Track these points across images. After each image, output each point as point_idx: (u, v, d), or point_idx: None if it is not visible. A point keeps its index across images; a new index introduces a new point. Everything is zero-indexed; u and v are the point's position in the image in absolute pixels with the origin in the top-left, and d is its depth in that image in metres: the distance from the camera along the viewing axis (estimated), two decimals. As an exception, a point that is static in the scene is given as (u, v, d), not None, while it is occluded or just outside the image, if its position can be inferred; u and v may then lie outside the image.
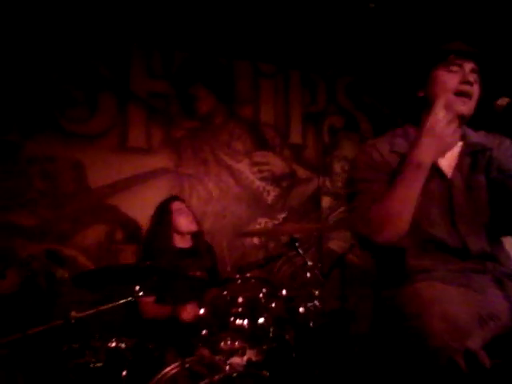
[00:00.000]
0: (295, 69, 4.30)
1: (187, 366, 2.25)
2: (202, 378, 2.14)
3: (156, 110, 3.76)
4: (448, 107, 1.52)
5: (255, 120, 4.10)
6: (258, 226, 3.94)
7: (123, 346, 2.31)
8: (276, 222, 4.00)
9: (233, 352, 2.33)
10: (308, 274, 2.46)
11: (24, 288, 2.82)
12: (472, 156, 1.67)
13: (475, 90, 1.62)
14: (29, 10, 3.36)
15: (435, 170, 1.62)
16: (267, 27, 3.97)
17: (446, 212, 1.61)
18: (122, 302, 2.15)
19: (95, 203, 3.48)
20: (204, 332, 2.34)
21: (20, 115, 3.36)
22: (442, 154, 1.58)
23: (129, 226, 3.54)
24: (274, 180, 4.08)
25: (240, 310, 2.35)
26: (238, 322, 2.37)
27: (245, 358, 2.39)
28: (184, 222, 3.04)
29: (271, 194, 4.04)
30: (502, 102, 1.52)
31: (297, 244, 2.51)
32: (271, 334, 2.40)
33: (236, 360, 2.34)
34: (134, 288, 2.18)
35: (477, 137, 1.71)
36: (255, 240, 3.93)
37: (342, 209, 4.26)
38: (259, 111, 4.13)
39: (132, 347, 2.34)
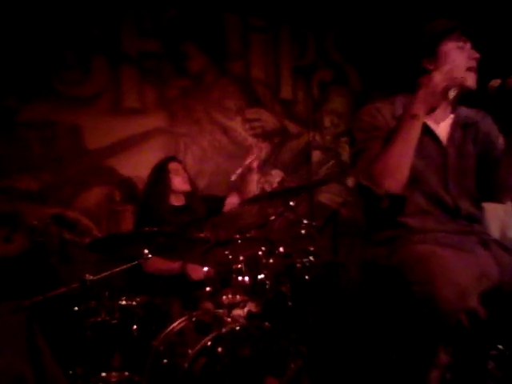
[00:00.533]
0: (285, 23, 4.30)
1: (194, 319, 2.45)
2: (208, 330, 2.34)
3: (148, 70, 3.79)
4: (455, 81, 1.68)
5: (246, 76, 4.15)
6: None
7: (134, 303, 2.50)
8: (269, 178, 4.14)
9: (234, 305, 2.54)
10: (303, 231, 2.63)
11: (33, 251, 2.95)
12: (463, 128, 1.81)
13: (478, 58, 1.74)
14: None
15: (433, 136, 1.77)
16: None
17: (441, 174, 1.77)
18: (134, 263, 2.32)
19: (94, 165, 3.58)
20: (208, 288, 2.54)
21: (16, 80, 3.37)
22: (433, 109, 1.74)
23: (126, 186, 3.65)
24: (266, 136, 4.18)
25: (241, 267, 2.54)
26: (240, 278, 2.57)
27: (245, 310, 2.61)
28: (179, 182, 3.17)
29: (263, 151, 4.15)
30: (495, 83, 1.65)
31: (291, 204, 2.66)
32: (269, 288, 2.61)
33: (237, 312, 2.56)
34: (143, 250, 2.34)
35: (465, 111, 1.86)
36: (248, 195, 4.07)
37: (331, 162, 4.41)
38: (250, 67, 4.17)
39: (141, 304, 2.54)
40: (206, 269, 2.56)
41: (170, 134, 3.84)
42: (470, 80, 1.72)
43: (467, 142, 1.80)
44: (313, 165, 4.32)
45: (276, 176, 4.19)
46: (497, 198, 1.77)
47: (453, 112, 1.84)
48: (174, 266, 2.91)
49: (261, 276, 2.56)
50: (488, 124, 1.84)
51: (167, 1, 3.84)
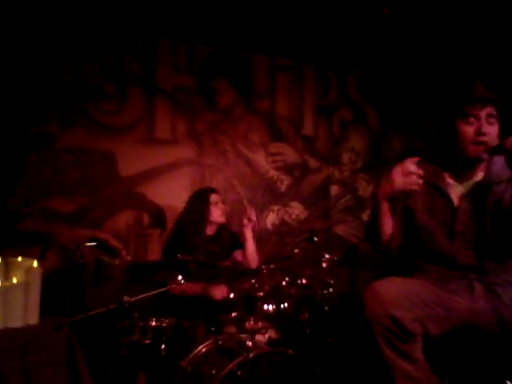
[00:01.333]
0: (309, 63, 4.54)
1: (220, 343, 2.60)
2: (232, 354, 2.48)
3: (180, 103, 4.02)
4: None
5: (271, 113, 4.37)
6: (271, 213, 4.26)
7: (164, 324, 2.66)
8: (288, 210, 4.32)
9: (256, 331, 2.69)
10: (324, 264, 2.79)
11: (68, 270, 3.13)
12: (487, 186, 1.96)
13: (491, 133, 1.90)
14: (60, 5, 3.58)
15: (444, 196, 1.96)
16: (283, 23, 4.20)
17: (447, 230, 1.96)
18: (168, 287, 2.50)
19: (125, 191, 3.78)
20: (233, 314, 2.69)
21: (57, 108, 3.61)
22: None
23: (154, 212, 3.85)
24: (287, 170, 4.38)
25: (265, 295, 2.71)
26: (263, 306, 2.73)
27: (266, 336, 2.76)
28: (218, 214, 3.32)
29: (284, 183, 4.35)
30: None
31: (315, 239, 2.83)
32: (290, 317, 2.77)
33: (259, 338, 2.71)
34: (177, 276, 2.51)
35: (498, 167, 1.98)
36: (268, 225, 4.25)
37: (348, 197, 4.59)
38: (275, 104, 4.40)
39: (170, 325, 2.69)
40: (232, 295, 2.73)
41: (197, 165, 4.05)
42: (475, 152, 1.91)
43: (488, 200, 1.94)
44: (331, 198, 4.50)
45: (295, 208, 4.37)
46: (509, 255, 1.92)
47: (483, 170, 1.99)
48: (197, 287, 3.06)
49: (283, 305, 2.72)
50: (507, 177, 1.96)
51: (200, 38, 4.09)
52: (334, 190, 4.54)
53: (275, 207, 4.29)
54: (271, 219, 4.27)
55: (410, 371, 1.68)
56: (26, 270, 2.54)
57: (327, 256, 2.79)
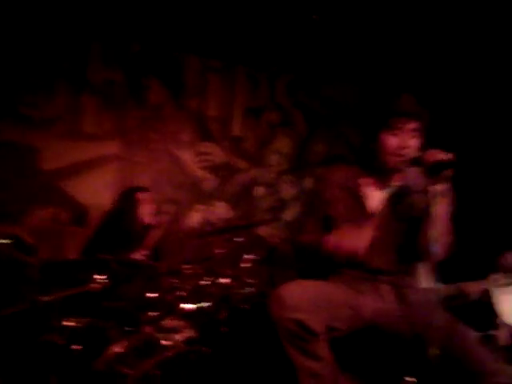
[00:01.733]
0: (240, 65, 4.62)
1: (135, 342, 2.62)
2: (148, 354, 2.51)
3: (109, 98, 3.97)
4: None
5: (201, 112, 4.41)
6: (195, 213, 4.30)
7: (80, 324, 2.64)
8: (212, 209, 4.38)
9: (174, 330, 2.74)
10: (246, 264, 2.88)
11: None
12: (402, 194, 2.09)
13: (413, 146, 2.01)
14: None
15: (363, 203, 2.09)
16: (216, 25, 4.26)
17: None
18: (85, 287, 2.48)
19: (44, 186, 3.68)
20: (152, 314, 2.72)
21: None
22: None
23: (75, 208, 3.77)
24: (214, 169, 4.44)
25: (186, 295, 2.76)
26: (183, 305, 2.78)
27: (184, 335, 2.81)
28: (147, 214, 3.30)
29: (210, 183, 4.40)
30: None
31: (237, 240, 2.91)
32: (209, 315, 2.84)
33: (177, 337, 2.76)
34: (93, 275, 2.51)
35: (413, 177, 2.10)
36: (193, 224, 4.29)
37: (272, 198, 4.72)
38: (205, 104, 4.44)
39: (85, 326, 2.68)
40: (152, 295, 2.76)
41: (125, 162, 4.02)
42: (397, 163, 2.02)
43: (403, 207, 2.08)
44: (256, 199, 4.61)
45: (220, 207, 4.44)
46: (420, 257, 2.08)
47: (400, 179, 2.11)
48: None
49: (203, 304, 2.79)
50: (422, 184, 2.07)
51: (134, 36, 4.05)
52: (259, 190, 4.65)
53: (200, 207, 4.34)
54: (196, 218, 4.31)
55: (315, 369, 1.80)
56: None
57: (249, 256, 2.88)
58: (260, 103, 4.74)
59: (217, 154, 4.47)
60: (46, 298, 2.39)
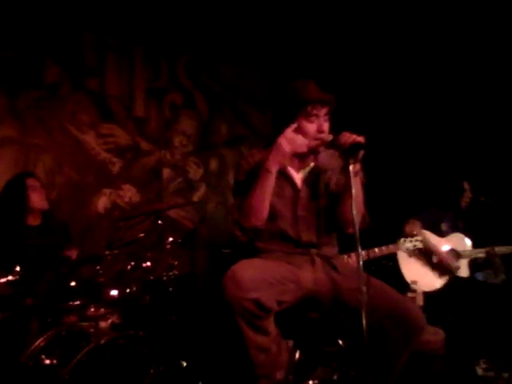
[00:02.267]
0: (139, 44, 4.48)
1: (62, 333, 2.52)
2: (77, 343, 2.43)
3: (1, 77, 3.64)
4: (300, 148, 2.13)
5: (101, 92, 4.22)
6: (103, 197, 4.15)
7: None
8: (120, 193, 4.26)
9: (99, 317, 2.67)
10: (168, 246, 2.87)
11: None
12: (318, 174, 2.26)
13: (327, 130, 2.16)
14: None
15: (290, 181, 2.19)
16: (114, 1, 4.11)
17: (292, 212, 2.21)
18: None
19: None
20: (76, 302, 2.63)
21: None
22: (284, 163, 2.16)
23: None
24: (119, 152, 4.29)
25: (109, 281, 2.70)
26: (108, 291, 2.71)
27: (109, 321, 2.76)
28: (37, 199, 3.11)
29: (116, 166, 4.26)
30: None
31: (160, 222, 2.88)
32: (132, 300, 2.81)
33: (102, 324, 2.69)
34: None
35: (325, 158, 2.28)
36: (100, 209, 4.14)
37: (179, 179, 4.69)
38: (105, 84, 4.26)
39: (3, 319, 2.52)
40: (73, 283, 2.66)
41: (20, 145, 3.74)
42: (316, 145, 2.16)
43: (319, 185, 2.25)
44: (163, 181, 4.55)
45: (127, 191, 4.32)
46: (343, 230, 2.24)
47: (314, 160, 2.27)
48: None
49: (127, 289, 2.74)
50: (336, 164, 2.26)
51: (26, 13, 3.74)
52: (166, 172, 4.59)
53: (107, 190, 4.19)
54: (103, 203, 4.15)
55: (263, 343, 1.89)
56: None
57: (171, 239, 2.87)
58: (162, 84, 4.66)
59: (120, 135, 4.32)
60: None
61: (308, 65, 5.02)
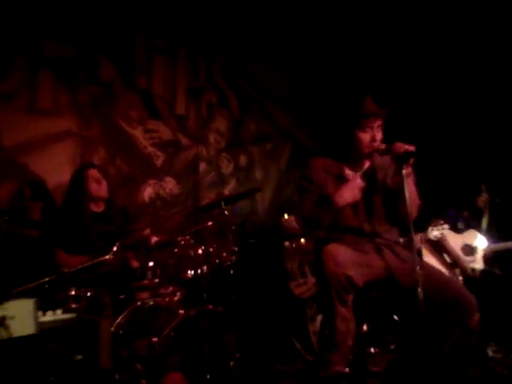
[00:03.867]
0: (183, 46, 4.81)
1: (146, 306, 2.85)
2: (157, 317, 2.77)
3: (64, 74, 3.94)
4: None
5: (148, 90, 4.54)
6: (148, 187, 4.48)
7: (88, 294, 2.80)
8: (163, 184, 4.59)
9: (169, 295, 3.02)
10: (230, 235, 3.23)
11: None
12: (374, 172, 2.65)
13: (380, 139, 2.56)
14: None
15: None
16: (162, 5, 4.43)
17: (353, 208, 2.60)
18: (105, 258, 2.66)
19: (6, 161, 3.61)
20: (146, 281, 2.97)
21: None
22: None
23: (36, 184, 3.75)
24: (162, 146, 4.62)
25: (183, 262, 3.05)
26: (182, 272, 3.07)
27: (175, 298, 3.10)
28: (96, 189, 3.39)
29: (160, 159, 4.60)
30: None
31: (226, 213, 3.23)
32: (200, 280, 3.17)
33: (174, 300, 3.04)
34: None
35: (380, 160, 2.67)
36: (146, 198, 4.47)
37: (213, 173, 5.05)
38: (152, 83, 4.58)
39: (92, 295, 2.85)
40: (151, 263, 3.00)
41: (80, 138, 4.05)
42: (369, 152, 2.58)
43: (377, 182, 2.64)
44: (200, 174, 4.90)
45: (169, 182, 4.66)
46: (403, 220, 2.62)
47: (369, 161, 2.66)
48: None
49: (199, 270, 3.10)
50: (391, 166, 2.67)
51: (84, 12, 4.05)
52: (202, 166, 4.94)
53: (152, 181, 4.52)
54: (148, 192, 4.49)
55: (345, 314, 2.27)
56: None
57: (233, 227, 3.23)
58: (200, 84, 5.00)
59: (164, 131, 4.65)
60: (70, 270, 2.55)
61: (331, 72, 5.42)
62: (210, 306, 2.83)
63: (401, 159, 2.38)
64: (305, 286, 3.45)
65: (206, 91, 5.03)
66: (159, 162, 4.60)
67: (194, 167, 4.88)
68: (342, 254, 2.31)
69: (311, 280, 3.44)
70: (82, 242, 3.23)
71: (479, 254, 4.19)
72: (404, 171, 2.35)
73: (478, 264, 4.15)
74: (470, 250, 4.16)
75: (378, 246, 2.55)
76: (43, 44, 3.86)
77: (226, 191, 5.11)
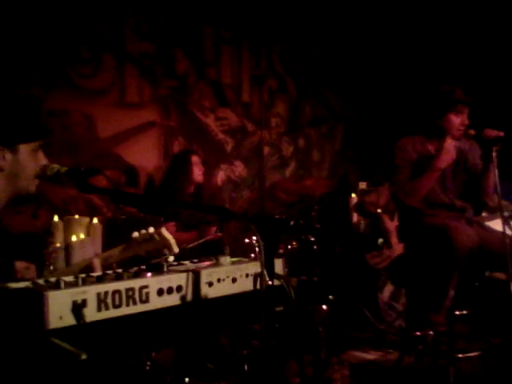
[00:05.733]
0: (245, 37, 5.10)
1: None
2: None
3: (145, 69, 4.28)
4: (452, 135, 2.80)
5: (218, 80, 4.86)
6: (220, 171, 4.83)
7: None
8: (233, 168, 4.94)
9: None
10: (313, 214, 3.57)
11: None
12: (459, 153, 2.91)
13: (467, 124, 2.84)
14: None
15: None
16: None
17: (442, 184, 2.89)
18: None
19: (103, 152, 3.99)
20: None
21: (40, 71, 3.63)
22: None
23: (129, 171, 4.13)
24: (231, 132, 4.95)
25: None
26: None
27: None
28: (198, 174, 3.78)
29: (229, 145, 4.93)
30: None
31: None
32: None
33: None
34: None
35: (463, 142, 2.95)
36: (219, 182, 4.83)
37: (275, 156, 5.36)
38: (221, 73, 4.89)
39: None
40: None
41: (161, 128, 4.40)
42: (457, 135, 2.85)
43: (461, 162, 2.92)
44: (264, 158, 5.22)
45: (238, 166, 5.00)
46: (483, 199, 2.92)
47: (455, 143, 2.92)
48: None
49: (289, 246, 3.45)
50: (475, 151, 2.97)
51: (157, 9, 4.36)
52: (266, 150, 5.26)
53: (223, 166, 4.86)
54: (221, 176, 4.83)
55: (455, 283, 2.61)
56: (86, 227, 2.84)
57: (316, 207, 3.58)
58: (261, 71, 5.28)
59: (232, 118, 4.98)
60: (188, 246, 2.92)
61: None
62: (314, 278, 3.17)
63: (491, 143, 2.67)
64: (380, 257, 3.76)
65: (266, 78, 5.31)
66: (229, 148, 4.93)
67: (259, 151, 5.19)
68: (466, 230, 2.64)
69: (386, 252, 3.75)
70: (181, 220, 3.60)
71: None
72: (494, 154, 2.65)
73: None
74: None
75: (469, 220, 2.86)
76: (125, 41, 4.18)
77: (287, 173, 5.43)
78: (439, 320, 2.58)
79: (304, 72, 5.65)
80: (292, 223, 1.43)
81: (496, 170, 2.75)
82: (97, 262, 1.90)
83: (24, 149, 1.72)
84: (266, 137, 5.28)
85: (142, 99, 4.27)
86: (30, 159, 1.78)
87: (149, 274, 1.44)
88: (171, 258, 2.22)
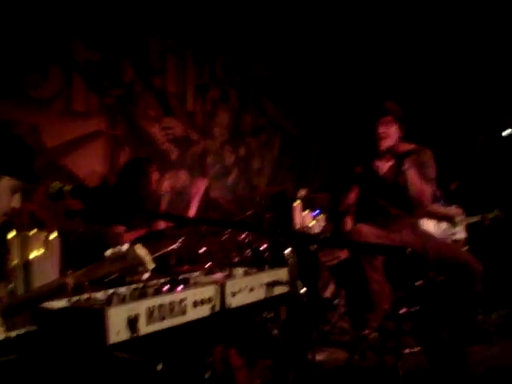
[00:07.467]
0: (189, 48, 5.16)
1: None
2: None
3: (92, 78, 4.22)
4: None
5: (163, 90, 4.88)
6: (166, 181, 4.86)
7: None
8: (177, 177, 4.98)
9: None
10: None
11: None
12: (399, 159, 3.17)
13: (388, 133, 3.13)
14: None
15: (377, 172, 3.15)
16: (172, 9, 4.77)
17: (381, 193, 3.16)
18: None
19: (49, 162, 3.90)
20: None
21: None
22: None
23: (75, 182, 4.06)
24: (176, 141, 4.99)
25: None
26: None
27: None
28: (155, 181, 3.81)
29: (174, 154, 4.97)
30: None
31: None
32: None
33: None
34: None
35: (406, 147, 3.20)
36: (163, 190, 4.84)
37: (218, 166, 5.47)
38: (166, 82, 4.92)
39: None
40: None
41: (109, 137, 4.36)
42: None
43: (400, 172, 3.17)
44: (207, 166, 5.31)
45: (182, 175, 5.05)
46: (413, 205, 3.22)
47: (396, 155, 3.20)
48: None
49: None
50: (422, 155, 3.21)
51: (106, 20, 4.32)
52: (210, 159, 5.35)
53: (168, 175, 4.90)
54: (165, 185, 4.86)
55: (377, 278, 2.85)
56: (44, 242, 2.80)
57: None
58: (204, 81, 5.36)
59: (177, 127, 5.01)
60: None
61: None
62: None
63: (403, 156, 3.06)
64: (331, 255, 4.00)
65: (209, 88, 5.40)
66: (173, 157, 4.97)
67: (203, 160, 5.27)
68: (366, 229, 3.01)
69: (337, 251, 4.00)
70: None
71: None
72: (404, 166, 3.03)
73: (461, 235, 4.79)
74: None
75: (399, 225, 3.18)
76: (72, 49, 4.11)
77: (230, 180, 5.56)
78: (371, 318, 2.86)
79: (245, 82, 5.80)
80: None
81: (416, 179, 3.08)
82: (70, 282, 1.92)
83: (6, 183, 1.70)
84: (209, 146, 5.37)
85: (88, 108, 4.21)
86: (5, 196, 1.76)
87: (180, 288, 1.59)
88: (146, 275, 2.28)
